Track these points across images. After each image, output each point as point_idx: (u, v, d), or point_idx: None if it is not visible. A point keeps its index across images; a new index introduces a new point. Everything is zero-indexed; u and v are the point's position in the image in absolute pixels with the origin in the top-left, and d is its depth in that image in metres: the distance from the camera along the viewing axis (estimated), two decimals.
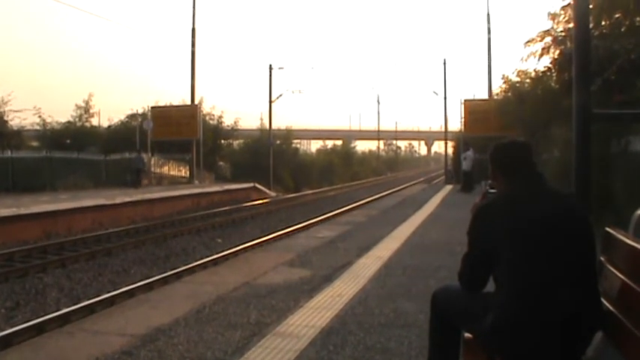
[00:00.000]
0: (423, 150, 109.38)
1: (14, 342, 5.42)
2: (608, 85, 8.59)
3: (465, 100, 26.01)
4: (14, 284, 8.39)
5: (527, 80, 15.91)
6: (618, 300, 2.20)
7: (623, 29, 9.11)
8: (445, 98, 34.04)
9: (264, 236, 12.45)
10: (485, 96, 27.23)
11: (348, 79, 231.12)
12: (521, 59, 12.31)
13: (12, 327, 5.96)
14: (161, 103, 28.72)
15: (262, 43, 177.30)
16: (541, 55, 11.32)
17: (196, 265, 9.25)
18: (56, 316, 6.31)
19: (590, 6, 6.32)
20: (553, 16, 10.94)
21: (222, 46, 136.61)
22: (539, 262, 2.16)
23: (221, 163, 32.56)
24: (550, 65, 11.81)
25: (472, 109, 25.11)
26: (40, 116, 26.76)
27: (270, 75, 33.26)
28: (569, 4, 9.93)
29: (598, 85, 8.08)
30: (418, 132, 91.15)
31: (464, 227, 2.45)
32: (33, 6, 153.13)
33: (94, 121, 30.11)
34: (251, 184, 26.79)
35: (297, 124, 46.58)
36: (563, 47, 10.48)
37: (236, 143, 35.36)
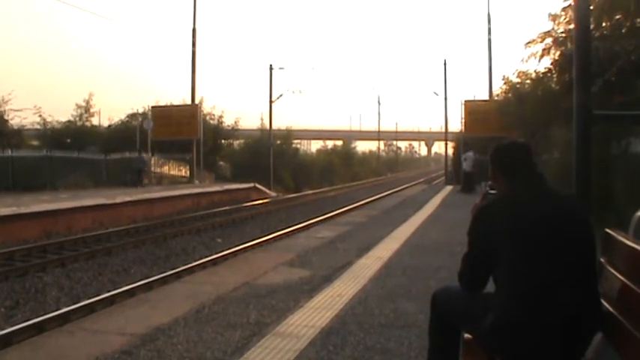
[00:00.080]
0: (423, 150, 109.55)
1: (14, 341, 5.42)
2: (608, 87, 8.59)
3: (466, 101, 26.01)
4: (14, 283, 8.39)
5: (528, 81, 15.93)
6: (618, 301, 2.20)
7: (623, 30, 9.12)
8: (445, 99, 34.08)
9: (264, 236, 12.45)
10: (486, 97, 27.25)
11: (348, 79, 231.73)
12: (522, 60, 12.34)
13: (12, 326, 5.97)
14: (161, 103, 28.78)
15: (263, 43, 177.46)
16: (541, 56, 11.35)
17: (196, 265, 9.25)
18: (56, 315, 6.31)
19: (591, 7, 6.32)
20: (554, 17, 10.95)
21: (223, 46, 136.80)
22: (540, 263, 2.16)
23: (221, 163, 32.58)
24: (550, 66, 11.83)
25: (472, 109, 25.10)
26: (40, 115, 26.84)
27: (271, 75, 33.30)
28: (569, 5, 9.94)
29: (598, 86, 8.09)
30: (418, 132, 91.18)
31: (464, 228, 2.45)
32: (33, 5, 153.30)
33: (95, 121, 30.20)
34: (251, 184, 26.79)
35: (297, 124, 46.71)
36: (563, 48, 10.49)
37: (236, 143, 35.37)
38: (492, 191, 2.59)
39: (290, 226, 14.06)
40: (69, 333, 5.11)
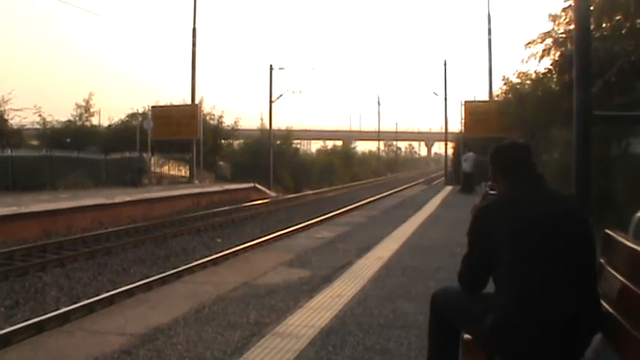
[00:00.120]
0: (423, 151, 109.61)
1: (13, 340, 5.42)
2: (608, 87, 8.59)
3: (466, 102, 26.04)
4: (14, 283, 8.39)
5: (528, 82, 15.95)
6: (618, 302, 2.20)
7: (623, 31, 9.13)
8: (445, 99, 34.08)
9: (264, 236, 12.45)
10: (486, 97, 27.28)
11: (348, 79, 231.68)
12: (522, 61, 12.37)
13: (11, 325, 5.96)
14: (161, 103, 28.77)
15: (263, 43, 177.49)
16: (542, 57, 11.35)
17: (196, 265, 9.25)
18: (55, 315, 6.30)
19: (591, 8, 6.33)
20: (554, 18, 10.96)
21: (223, 46, 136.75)
22: (539, 264, 2.16)
23: (221, 163, 32.58)
24: (550, 67, 11.84)
25: (472, 110, 25.12)
26: (40, 115, 26.82)
27: (271, 75, 33.29)
28: (570, 5, 9.94)
29: (598, 86, 8.09)
30: (418, 133, 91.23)
31: (464, 228, 2.45)
32: (33, 5, 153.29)
33: (95, 121, 30.17)
34: (251, 184, 26.79)
35: (297, 124, 46.71)
36: (563, 49, 10.50)
37: (236, 143, 35.38)
38: (492, 192, 2.59)
39: (290, 227, 14.06)
40: (68, 333, 5.10)
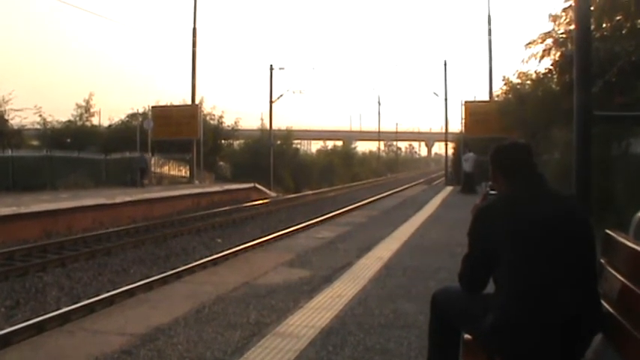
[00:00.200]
0: (423, 151, 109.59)
1: (14, 341, 5.42)
2: (608, 87, 8.59)
3: (466, 102, 26.03)
4: (14, 283, 8.39)
5: (528, 82, 15.95)
6: (618, 302, 2.20)
7: (624, 31, 9.13)
8: (446, 99, 34.11)
9: (264, 236, 12.45)
10: (486, 97, 27.26)
11: (348, 79, 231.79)
12: (522, 61, 12.38)
13: (12, 326, 5.96)
14: (162, 103, 28.77)
15: (263, 43, 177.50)
16: (542, 57, 11.36)
17: (196, 265, 9.25)
18: (56, 315, 6.31)
19: (592, 8, 6.32)
20: (554, 18, 10.96)
21: (223, 46, 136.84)
22: (540, 264, 2.16)
23: (221, 163, 32.59)
24: (551, 67, 11.84)
25: (473, 110, 25.12)
26: (40, 115, 26.83)
27: (271, 75, 33.29)
28: (570, 6, 9.95)
29: (599, 86, 8.08)
30: (419, 133, 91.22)
31: (464, 228, 2.45)
32: (34, 5, 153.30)
33: (95, 121, 30.17)
34: (251, 185, 26.79)
35: (297, 124, 46.68)
36: (564, 49, 10.50)
37: (236, 143, 35.38)
38: (493, 192, 2.59)
39: (290, 227, 14.06)
40: (69, 333, 5.10)
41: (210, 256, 10.18)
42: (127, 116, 29.49)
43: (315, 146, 63.96)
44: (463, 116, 25.52)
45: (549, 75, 12.38)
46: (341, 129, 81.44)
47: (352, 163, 50.48)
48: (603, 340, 2.26)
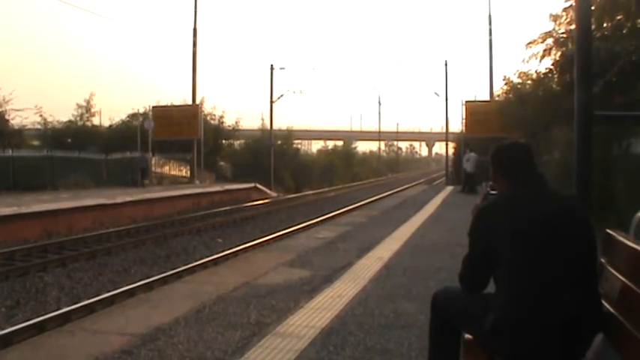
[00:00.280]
0: (424, 151, 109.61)
1: (14, 341, 5.42)
2: (609, 87, 8.59)
3: (466, 102, 26.02)
4: (15, 283, 8.40)
5: (529, 82, 15.94)
6: (619, 302, 2.19)
7: (624, 31, 9.13)
8: (446, 99, 34.28)
9: (265, 236, 12.45)
10: (487, 97, 27.26)
11: (349, 79, 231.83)
12: (523, 61, 12.38)
13: (12, 326, 5.97)
14: (162, 103, 28.81)
15: (264, 43, 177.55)
16: (542, 57, 11.37)
17: (196, 265, 9.25)
18: (56, 315, 6.31)
19: (592, 8, 6.32)
20: (555, 18, 10.97)
21: (224, 46, 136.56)
22: (540, 264, 2.16)
23: (222, 163, 32.60)
24: (551, 67, 11.84)
25: (473, 110, 25.11)
26: (41, 115, 26.90)
27: (272, 75, 33.30)
28: (570, 5, 9.95)
29: (599, 86, 8.09)
30: (419, 133, 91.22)
31: (464, 228, 2.45)
32: (34, 5, 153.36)
33: (95, 121, 30.27)
34: (252, 185, 26.80)
35: (298, 124, 46.77)
36: (564, 49, 10.50)
37: (237, 143, 35.41)
38: (493, 192, 2.59)
39: (290, 227, 14.06)
40: (69, 333, 5.10)
41: (211, 256, 10.18)
42: (128, 116, 29.57)
43: (315, 146, 64.10)
44: (464, 116, 25.52)
45: (550, 75, 12.39)
46: (341, 129, 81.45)
47: (352, 163, 50.51)
48: (604, 340, 2.26)
